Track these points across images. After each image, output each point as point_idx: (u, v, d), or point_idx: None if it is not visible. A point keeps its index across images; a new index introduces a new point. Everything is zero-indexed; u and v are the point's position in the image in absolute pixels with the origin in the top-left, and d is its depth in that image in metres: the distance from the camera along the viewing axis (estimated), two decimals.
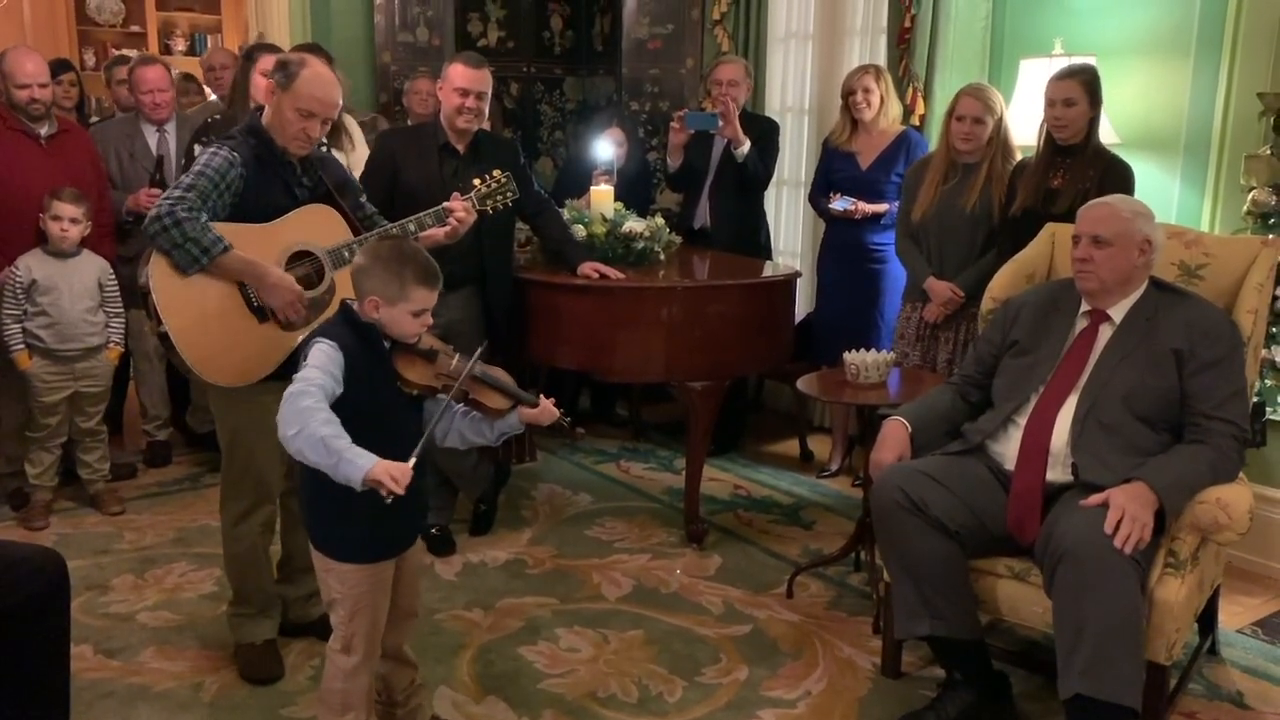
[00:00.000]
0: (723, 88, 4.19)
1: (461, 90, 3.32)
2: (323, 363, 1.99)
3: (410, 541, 2.24)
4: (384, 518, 1.99)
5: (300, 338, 2.54)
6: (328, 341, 2.03)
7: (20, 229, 3.61)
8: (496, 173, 3.02)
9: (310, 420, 1.89)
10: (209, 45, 8.85)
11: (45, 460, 3.71)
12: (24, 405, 3.72)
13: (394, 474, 1.85)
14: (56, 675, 2.19)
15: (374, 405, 2.04)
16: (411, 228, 2.74)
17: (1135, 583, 2.23)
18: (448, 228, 2.85)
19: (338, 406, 1.96)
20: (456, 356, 2.17)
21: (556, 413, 2.21)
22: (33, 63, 3.70)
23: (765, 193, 4.56)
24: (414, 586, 2.33)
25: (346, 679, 2.16)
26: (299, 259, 2.58)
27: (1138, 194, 3.04)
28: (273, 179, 2.57)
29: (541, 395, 2.26)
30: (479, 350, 2.16)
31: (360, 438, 1.92)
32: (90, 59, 8.06)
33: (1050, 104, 3.21)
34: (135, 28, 8.55)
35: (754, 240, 4.43)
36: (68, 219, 3.56)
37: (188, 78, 5.56)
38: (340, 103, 2.66)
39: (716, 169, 4.36)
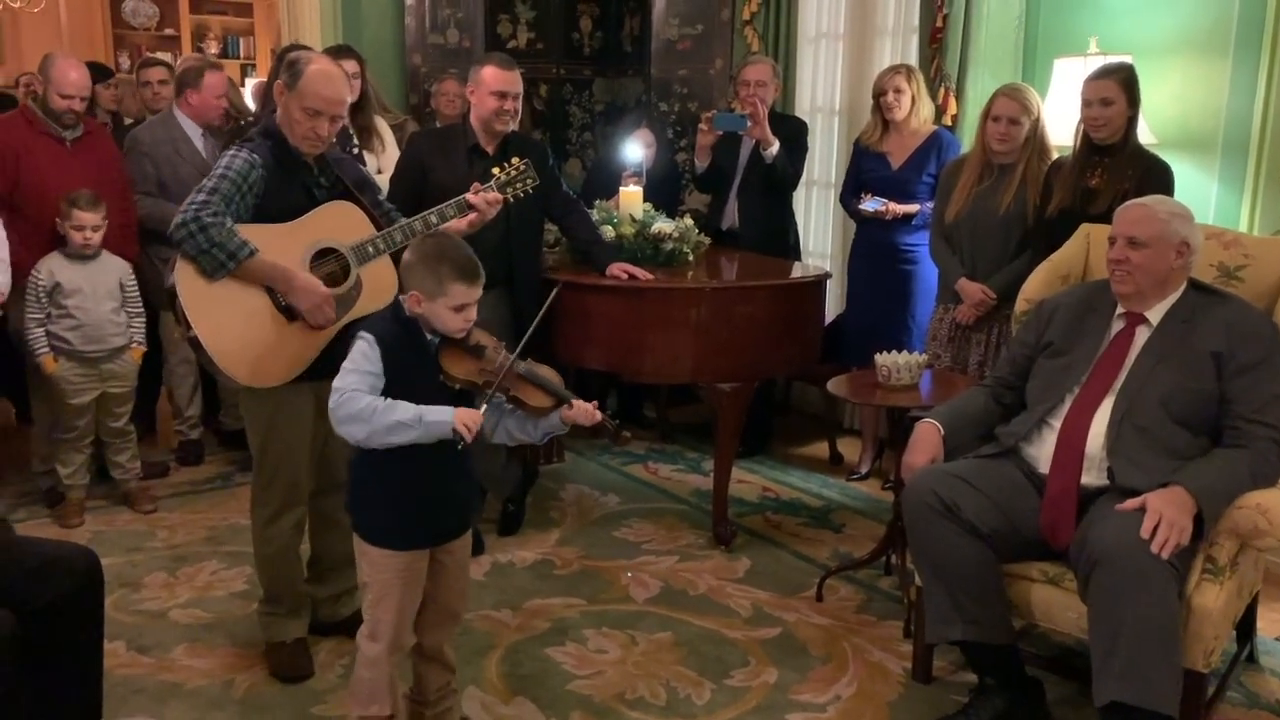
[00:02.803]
0: (750, 88, 4.17)
1: (499, 94, 3.32)
2: (358, 362, 2.08)
3: (449, 536, 2.25)
4: (420, 507, 2.04)
5: (330, 336, 2.56)
6: (366, 336, 2.10)
7: (44, 230, 3.64)
8: (515, 160, 3.01)
9: (372, 417, 2.02)
10: (241, 48, 8.95)
11: (76, 460, 3.75)
12: (52, 407, 3.77)
13: (468, 422, 2.01)
14: (90, 671, 2.21)
15: (414, 399, 2.08)
16: (433, 219, 2.74)
17: (1173, 588, 2.19)
18: (470, 217, 2.85)
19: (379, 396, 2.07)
20: (504, 353, 2.18)
21: (599, 415, 2.21)
22: (78, 73, 3.73)
23: (794, 193, 4.54)
24: (459, 586, 2.33)
25: (371, 667, 2.19)
26: (323, 256, 2.59)
27: (1175, 194, 3.00)
28: (291, 180, 2.57)
29: (593, 402, 2.26)
30: (521, 343, 2.19)
31: None
32: (125, 62, 8.16)
33: (1087, 104, 3.17)
34: (169, 31, 8.66)
35: (782, 241, 4.41)
36: (89, 227, 3.58)
37: None
38: (348, 100, 2.66)
39: (744, 170, 4.34)
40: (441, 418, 2.01)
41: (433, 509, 2.15)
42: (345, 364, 2.09)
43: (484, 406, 2.02)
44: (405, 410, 2.02)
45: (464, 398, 2.14)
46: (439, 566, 2.24)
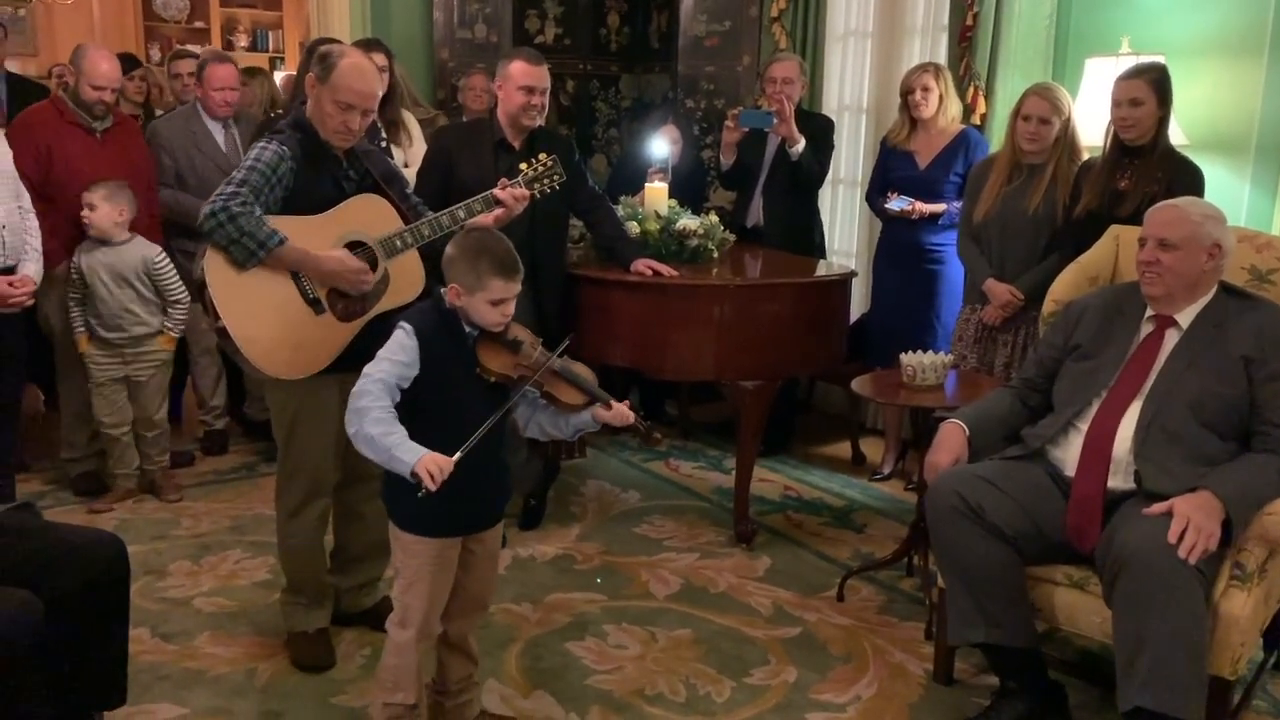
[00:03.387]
0: (777, 86, 4.16)
1: (527, 88, 3.32)
2: (393, 351, 2.10)
3: (482, 525, 2.26)
4: (454, 494, 2.04)
5: (356, 329, 2.57)
6: (405, 326, 2.12)
7: (74, 220, 3.67)
8: (543, 156, 3.01)
9: (363, 420, 2.03)
10: (270, 41, 9.01)
11: (129, 460, 3.83)
12: (83, 392, 3.82)
13: (432, 470, 1.96)
14: (115, 656, 2.23)
15: (449, 388, 2.10)
16: (461, 215, 2.74)
17: (1199, 594, 2.17)
18: (496, 212, 2.85)
19: (417, 388, 2.10)
20: (540, 349, 2.19)
21: (632, 416, 2.22)
22: (109, 64, 3.76)
23: (820, 191, 4.52)
24: (488, 576, 2.34)
25: (398, 653, 2.20)
26: (352, 249, 2.59)
27: (1207, 197, 2.96)
28: (321, 172, 2.58)
29: (626, 401, 2.27)
30: (563, 344, 2.21)
31: (432, 420, 2.06)
32: (155, 54, 8.23)
33: (1116, 104, 3.14)
34: (199, 24, 8.73)
35: (807, 239, 4.39)
36: (87, 206, 3.62)
37: (250, 72, 5.64)
38: (380, 94, 2.66)
39: (769, 167, 4.33)
40: (406, 458, 1.97)
41: (467, 498, 2.15)
42: (381, 351, 2.11)
43: (457, 456, 1.98)
44: (385, 435, 2.00)
45: (498, 390, 2.15)
46: (469, 555, 2.25)
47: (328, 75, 2.51)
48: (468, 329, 2.16)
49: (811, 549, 3.59)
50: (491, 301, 2.11)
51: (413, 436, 2.03)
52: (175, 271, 3.80)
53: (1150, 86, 3.09)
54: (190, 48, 5.94)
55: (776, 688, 2.71)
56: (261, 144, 2.52)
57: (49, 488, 3.99)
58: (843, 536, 3.71)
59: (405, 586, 2.20)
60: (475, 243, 2.15)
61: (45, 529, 2.21)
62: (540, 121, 3.42)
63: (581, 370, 2.25)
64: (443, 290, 2.17)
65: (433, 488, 1.95)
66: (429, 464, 1.96)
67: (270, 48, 9.02)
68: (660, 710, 2.60)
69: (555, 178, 3.00)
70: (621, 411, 2.21)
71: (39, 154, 3.67)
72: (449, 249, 2.17)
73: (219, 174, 4.05)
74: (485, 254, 2.11)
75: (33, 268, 3.42)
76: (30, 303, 3.41)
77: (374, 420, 2.02)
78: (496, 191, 2.85)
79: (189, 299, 3.78)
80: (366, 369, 2.09)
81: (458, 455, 1.98)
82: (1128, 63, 3.34)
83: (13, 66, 6.32)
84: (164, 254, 3.80)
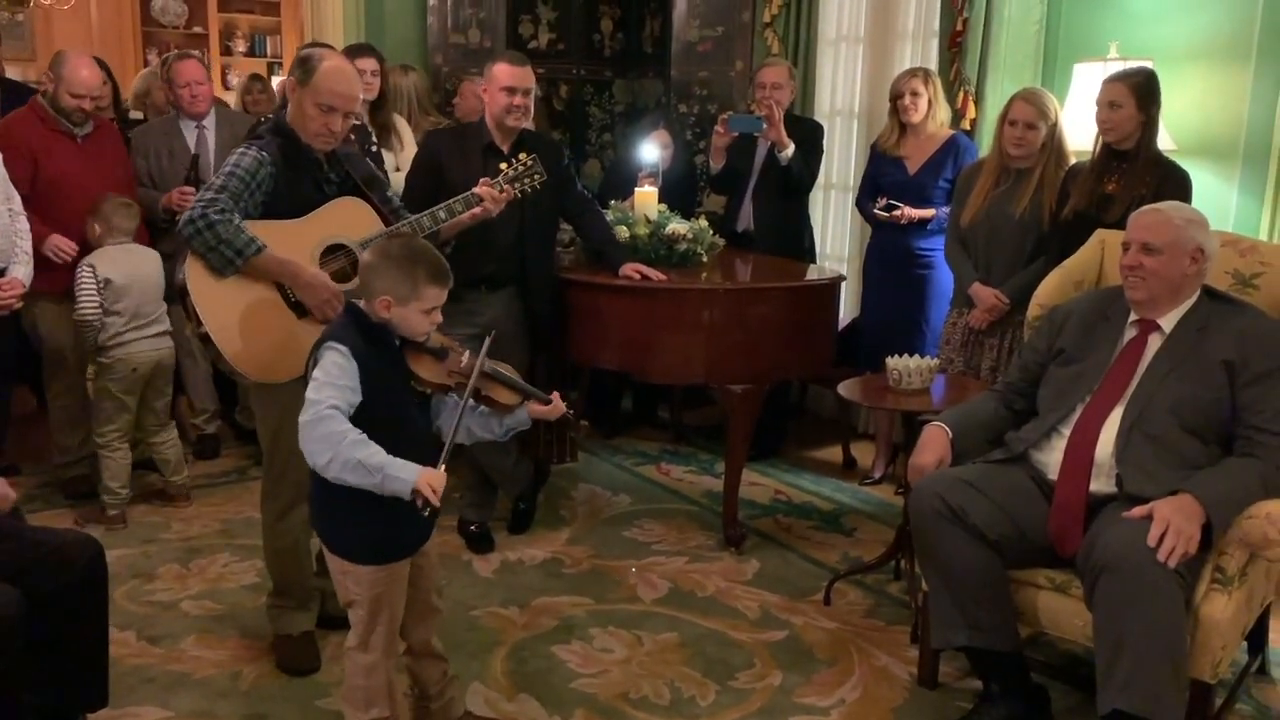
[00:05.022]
0: (766, 91, 4.17)
1: (509, 89, 3.33)
2: (334, 375, 1.97)
3: (425, 538, 2.23)
4: (398, 518, 1.98)
5: None
6: (339, 348, 2.00)
7: (61, 226, 3.66)
8: (523, 155, 3.02)
9: (340, 445, 1.91)
10: (268, 46, 9.03)
11: (123, 471, 3.70)
12: (73, 395, 3.79)
13: (434, 484, 1.89)
14: (96, 659, 2.24)
15: (388, 406, 2.04)
16: (442, 215, 2.75)
17: (1178, 597, 2.17)
18: (474, 210, 2.85)
19: (355, 412, 1.99)
20: (466, 353, 2.18)
21: (564, 407, 2.22)
22: (88, 71, 3.72)
23: (810, 196, 4.53)
24: (435, 582, 2.32)
25: (367, 675, 2.17)
26: (332, 252, 2.60)
27: (1194, 202, 2.97)
28: (302, 176, 2.59)
29: (556, 393, 2.26)
30: (485, 344, 2.14)
31: (374, 437, 1.95)
32: (154, 59, 8.24)
33: (1098, 106, 3.18)
34: (198, 29, 8.74)
35: (797, 244, 4.40)
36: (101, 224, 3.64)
37: (254, 78, 5.66)
38: (360, 96, 2.67)
39: (759, 172, 4.33)
40: (404, 475, 1.88)
41: (407, 517, 1.98)
42: (317, 374, 1.98)
43: (443, 468, 1.92)
44: (373, 455, 1.90)
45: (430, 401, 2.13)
46: (416, 569, 2.22)
47: (308, 78, 2.52)
48: (397, 342, 2.10)
49: (800, 553, 3.59)
50: (425, 310, 2.06)
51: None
52: None
53: (1130, 90, 3.10)
54: (190, 52, 5.95)
55: (761, 691, 2.71)
56: (241, 149, 2.53)
57: (40, 491, 4.00)
58: (832, 540, 3.71)
59: (369, 615, 2.12)
60: (405, 250, 2.06)
61: (22, 531, 2.21)
62: (525, 123, 3.43)
63: (507, 369, 2.23)
64: (360, 304, 2.10)
65: (436, 504, 1.88)
66: (431, 480, 1.88)
67: (268, 53, 9.04)
68: (644, 714, 2.60)
69: (536, 177, 3.02)
70: (555, 405, 2.20)
71: (24, 162, 3.64)
72: (369, 257, 2.08)
73: (182, 172, 4.06)
74: (421, 262, 2.04)
75: (22, 270, 3.42)
76: (19, 305, 3.41)
77: (353, 443, 1.90)
78: (478, 189, 2.87)
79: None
80: (312, 395, 1.95)
81: (442, 466, 1.93)
82: (1116, 68, 3.35)
83: (13, 72, 6.35)
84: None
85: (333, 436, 1.91)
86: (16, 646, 1.93)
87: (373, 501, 1.96)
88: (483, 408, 2.21)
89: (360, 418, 1.98)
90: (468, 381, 2.09)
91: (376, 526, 2.06)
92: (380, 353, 2.07)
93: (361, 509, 2.01)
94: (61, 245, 3.65)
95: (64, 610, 2.09)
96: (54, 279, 3.63)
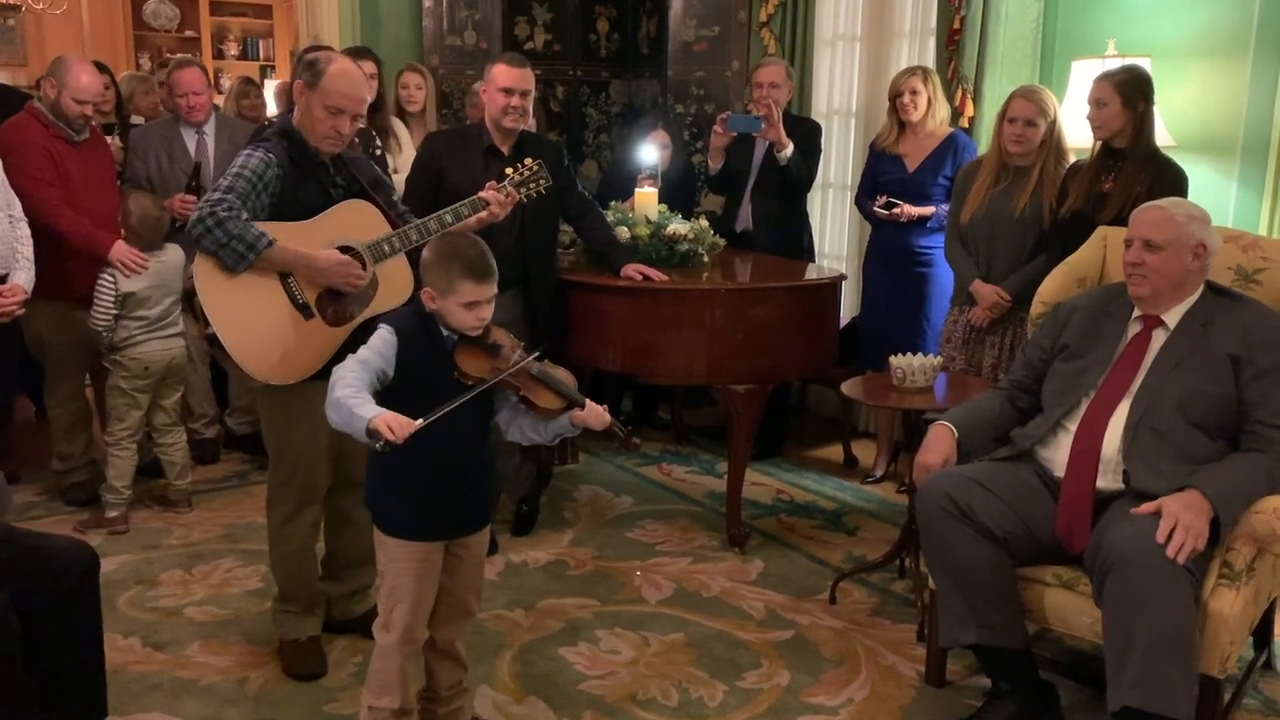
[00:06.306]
0: (763, 90, 4.17)
1: (506, 90, 3.33)
2: (375, 345, 2.12)
3: (467, 530, 2.26)
4: (438, 499, 2.05)
5: (347, 334, 2.57)
6: (386, 326, 2.15)
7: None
8: (529, 160, 3.02)
9: (335, 388, 2.03)
10: (260, 49, 9.02)
11: (128, 470, 3.70)
12: (75, 402, 3.77)
13: (392, 424, 1.93)
14: (91, 667, 2.21)
15: (430, 392, 2.08)
16: (448, 219, 2.75)
17: (1188, 593, 2.18)
18: (480, 214, 2.86)
19: (396, 391, 2.10)
20: (519, 353, 2.20)
21: (609, 419, 2.22)
22: (90, 77, 3.70)
23: (809, 195, 4.53)
24: (473, 582, 2.33)
25: (382, 657, 2.21)
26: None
27: (1193, 197, 2.97)
28: (308, 179, 2.59)
29: (604, 406, 2.27)
30: (537, 350, 2.22)
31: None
32: (145, 63, 8.23)
33: (1088, 104, 3.20)
34: (190, 33, 8.73)
35: (796, 243, 4.40)
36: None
37: (249, 81, 5.64)
38: (369, 99, 2.66)
39: (758, 172, 4.34)
40: (363, 413, 1.96)
41: (451, 502, 2.17)
42: (367, 343, 2.14)
43: (420, 422, 1.96)
44: (348, 396, 2.00)
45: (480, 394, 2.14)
46: (455, 560, 2.25)
47: (317, 81, 2.51)
48: (446, 333, 2.16)
49: (804, 552, 3.59)
50: (464, 304, 2.11)
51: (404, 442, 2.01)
52: None
53: (1113, 88, 3.12)
54: (185, 57, 5.94)
55: (769, 691, 2.71)
56: (247, 151, 2.53)
57: (41, 498, 3.98)
58: (835, 539, 3.71)
59: (389, 591, 2.20)
60: (446, 246, 2.16)
61: (15, 536, 2.18)
62: (523, 124, 3.43)
63: (561, 374, 2.27)
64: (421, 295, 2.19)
65: (396, 440, 1.92)
66: (388, 418, 1.94)
67: (261, 56, 9.04)
68: (653, 715, 2.60)
69: (541, 182, 3.02)
70: (598, 414, 2.21)
71: (52, 160, 3.62)
72: (425, 253, 2.19)
73: (182, 177, 4.05)
74: (456, 257, 2.11)
75: (23, 276, 3.40)
76: (21, 312, 3.39)
77: (342, 385, 2.02)
78: (484, 193, 2.86)
79: None
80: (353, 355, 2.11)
81: (420, 422, 1.96)
82: (1114, 65, 3.36)
83: (3, 76, 6.33)
84: None
85: (335, 384, 2.03)
86: (10, 653, 1.91)
87: (416, 480, 2.12)
88: (523, 407, 2.23)
89: (394, 397, 2.07)
90: (507, 379, 2.14)
91: (411, 503, 2.15)
92: (428, 340, 2.15)
93: (402, 483, 2.15)
94: (133, 258, 3.57)
95: (58, 618, 2.07)
96: (59, 286, 3.60)
